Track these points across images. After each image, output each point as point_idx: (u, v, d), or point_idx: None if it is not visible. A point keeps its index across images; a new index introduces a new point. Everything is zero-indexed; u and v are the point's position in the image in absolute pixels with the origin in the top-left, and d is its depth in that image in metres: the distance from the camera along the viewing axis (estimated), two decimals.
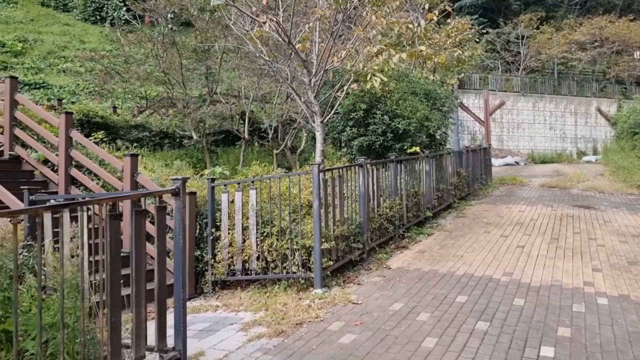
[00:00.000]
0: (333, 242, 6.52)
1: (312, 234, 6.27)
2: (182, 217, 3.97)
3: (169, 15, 12.69)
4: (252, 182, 6.81)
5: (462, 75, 17.52)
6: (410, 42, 8.77)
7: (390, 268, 7.16)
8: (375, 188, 8.17)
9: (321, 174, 6.51)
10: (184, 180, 4.00)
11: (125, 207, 6.01)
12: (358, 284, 6.51)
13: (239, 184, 6.91)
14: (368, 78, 8.09)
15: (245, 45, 9.33)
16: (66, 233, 4.53)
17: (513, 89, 30.12)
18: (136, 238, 3.64)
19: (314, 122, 8.71)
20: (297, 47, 8.46)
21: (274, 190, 6.82)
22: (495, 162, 23.67)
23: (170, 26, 12.89)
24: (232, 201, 6.92)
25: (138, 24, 15.04)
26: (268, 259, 6.53)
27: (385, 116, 10.83)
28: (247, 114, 14.63)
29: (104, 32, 17.91)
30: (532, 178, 18.28)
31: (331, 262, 6.43)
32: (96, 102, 16.86)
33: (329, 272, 6.41)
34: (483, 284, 6.34)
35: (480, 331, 4.79)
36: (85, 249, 4.01)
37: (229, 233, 6.84)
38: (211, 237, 6.87)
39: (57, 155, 8.08)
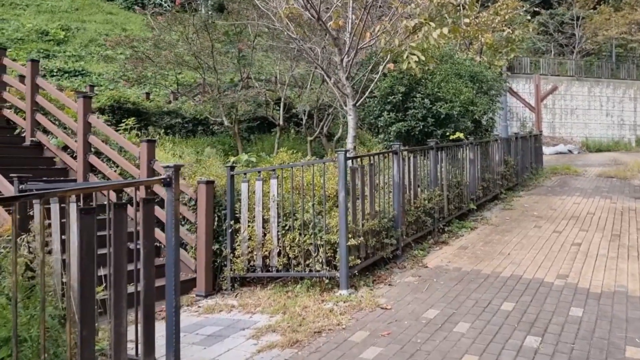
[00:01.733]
0: (361, 237, 5.86)
1: (337, 229, 5.63)
2: (174, 211, 3.40)
3: None
4: (274, 170, 6.21)
5: (512, 56, 16.31)
6: (453, 16, 7.91)
7: (426, 267, 6.44)
8: (412, 177, 7.43)
9: (349, 162, 5.85)
10: (177, 168, 3.42)
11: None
12: (389, 284, 5.83)
13: (259, 172, 6.33)
14: (405, 57, 7.32)
15: (283, 27, 8.73)
16: (37, 228, 4.06)
17: (567, 73, 28.33)
18: (116, 234, 3.10)
19: (346, 106, 8.02)
20: (328, 24, 7.78)
21: (297, 179, 6.20)
22: (546, 150, 22.26)
23: (206, 10, 12.48)
24: (254, 191, 6.35)
25: (169, 7, 14.68)
26: (290, 255, 5.94)
27: (425, 100, 10.03)
28: (282, 99, 14.06)
29: (145, 19, 17.74)
30: (587, 167, 16.95)
31: (359, 260, 5.77)
32: (131, 89, 16.68)
33: (356, 271, 5.76)
34: (533, 288, 5.54)
35: (530, 349, 4.04)
36: (57, 244, 3.50)
37: (248, 226, 6.28)
38: (230, 230, 6.34)
39: (76, 141, 7.73)
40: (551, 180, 14.01)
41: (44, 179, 7.64)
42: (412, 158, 7.49)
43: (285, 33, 8.52)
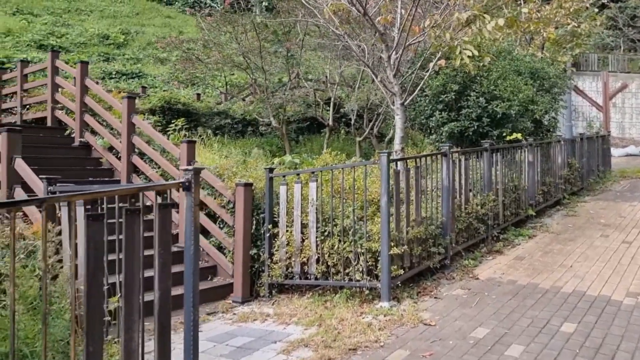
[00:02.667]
0: (405, 246, 5.45)
1: (379, 236, 5.25)
2: (194, 217, 3.16)
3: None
4: (313, 173, 5.91)
5: (577, 52, 15.27)
6: (511, 8, 7.34)
7: (477, 278, 5.95)
8: (463, 181, 6.94)
9: (393, 165, 5.47)
10: (197, 171, 3.18)
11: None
12: (435, 297, 5.39)
13: (298, 175, 6.05)
14: (457, 52, 6.83)
15: (328, 23, 8.43)
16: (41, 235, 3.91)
17: (638, 70, 26.47)
18: (128, 241, 2.88)
19: (393, 105, 7.61)
20: (376, 20, 7.41)
21: (339, 182, 5.87)
22: (614, 152, 20.80)
23: (260, 10, 12.39)
24: (293, 195, 6.07)
25: (219, 8, 14.70)
26: (329, 263, 5.62)
27: (480, 98, 9.45)
28: (332, 99, 13.76)
29: (197, 20, 17.92)
30: None
31: (402, 271, 5.37)
32: (184, 89, 16.89)
33: (399, 282, 5.37)
34: (598, 307, 4.96)
35: None
36: (69, 251, 3.33)
37: (287, 230, 6.01)
38: (268, 235, 6.09)
39: (120, 142, 7.73)
40: (620, 185, 12.97)
41: (90, 179, 7.71)
42: (463, 160, 7.00)
43: (331, 30, 8.20)
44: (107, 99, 8.07)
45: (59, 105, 8.99)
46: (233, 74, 17.75)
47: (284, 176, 6.15)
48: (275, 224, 6.12)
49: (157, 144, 7.47)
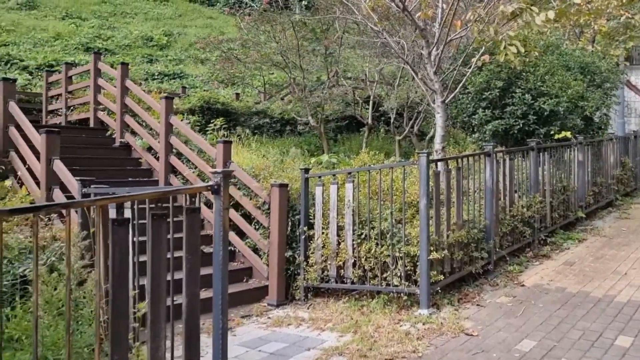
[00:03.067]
0: (446, 250, 5.22)
1: (418, 240, 5.04)
2: (222, 221, 3.05)
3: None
4: (349, 173, 5.74)
5: (631, 45, 14.47)
6: None
7: (523, 285, 5.65)
8: (507, 182, 6.62)
9: (433, 165, 5.24)
10: (226, 174, 3.07)
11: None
12: (478, 304, 5.13)
13: (334, 175, 5.89)
14: (502, 48, 6.51)
15: (365, 19, 8.23)
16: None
17: None
18: (154, 247, 2.79)
19: (434, 103, 7.34)
20: (417, 15, 7.17)
21: (375, 183, 5.68)
22: None
23: (300, 9, 12.32)
24: (329, 196, 5.92)
25: (257, 7, 14.69)
26: (365, 267, 5.44)
27: (527, 95, 9.04)
28: (371, 97, 13.55)
29: (235, 20, 18.01)
30: None
31: (442, 276, 5.14)
32: (223, 89, 17.01)
33: (438, 288, 5.14)
34: None
35: None
36: (99, 260, 3.27)
37: (323, 233, 5.87)
38: (303, 237, 5.96)
39: (159, 142, 7.78)
40: None
41: (129, 179, 7.78)
42: (507, 160, 6.68)
43: (370, 27, 8.00)
44: (146, 99, 8.13)
45: (101, 107, 9.15)
46: (272, 73, 17.75)
47: (319, 177, 6.01)
48: (311, 226, 5.98)
49: (194, 144, 7.46)
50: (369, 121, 13.43)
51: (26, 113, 12.00)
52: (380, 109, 13.64)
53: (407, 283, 5.12)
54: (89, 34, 23.79)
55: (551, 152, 7.77)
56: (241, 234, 6.57)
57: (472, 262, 5.69)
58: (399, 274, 5.18)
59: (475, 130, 9.82)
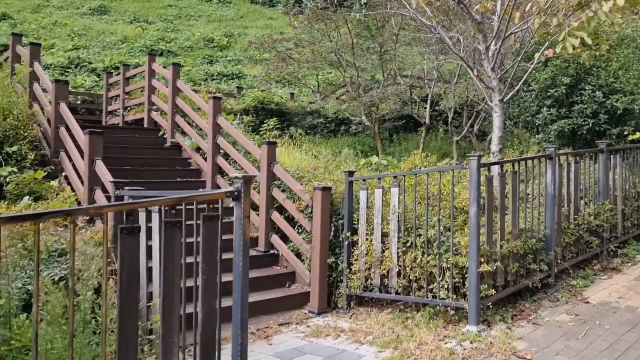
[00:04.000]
0: (498, 262, 4.80)
1: (467, 250, 4.65)
2: (243, 230, 2.85)
3: None
4: (395, 177, 5.42)
5: None
6: None
7: (587, 302, 5.12)
8: (572, 188, 6.07)
9: (485, 169, 4.84)
10: (247, 180, 2.86)
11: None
12: (534, 322, 4.68)
13: (379, 179, 5.58)
14: (560, 39, 5.95)
15: (418, 13, 7.84)
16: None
17: None
18: (166, 256, 2.63)
19: (491, 101, 6.86)
20: (474, 8, 6.73)
21: (423, 188, 5.32)
22: None
23: (360, 6, 12.06)
24: (375, 200, 5.63)
25: (310, 5, 14.51)
26: (410, 277, 5.10)
27: (597, 92, 8.35)
28: (429, 96, 13.06)
29: (289, 19, 17.96)
30: None
31: (494, 290, 4.72)
32: (281, 89, 17.01)
33: (489, 303, 4.73)
34: None
35: None
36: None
37: (366, 239, 5.58)
38: (347, 242, 5.70)
39: (207, 142, 7.75)
40: None
41: (178, 179, 7.81)
42: (573, 163, 6.12)
43: (423, 21, 7.61)
44: (195, 99, 8.13)
45: (155, 107, 9.27)
46: (330, 73, 17.57)
47: (364, 180, 5.72)
48: (354, 232, 5.71)
49: (241, 144, 7.37)
50: (427, 121, 12.95)
51: (90, 114, 12.57)
52: (437, 108, 13.13)
53: (454, 296, 4.74)
54: (154, 36, 24.56)
55: (624, 155, 7.08)
56: (285, 238, 6.39)
57: (530, 274, 5.22)
58: (446, 286, 4.81)
59: (539, 130, 9.20)
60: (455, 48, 7.75)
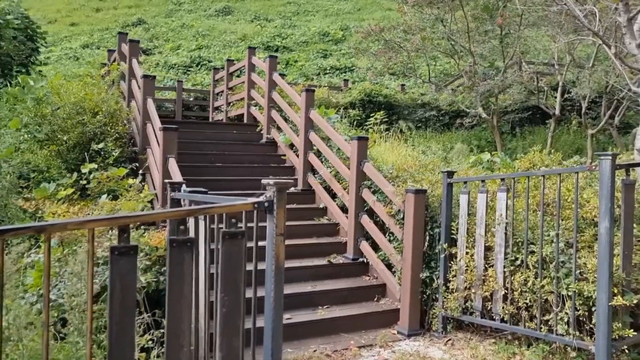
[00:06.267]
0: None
1: (596, 277, 3.62)
2: (276, 253, 2.25)
3: None
4: (503, 179, 4.46)
5: None
6: None
7: None
8: None
9: (620, 172, 3.74)
10: (281, 187, 2.25)
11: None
12: None
13: (483, 181, 4.65)
14: None
15: None
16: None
17: None
18: (172, 283, 2.10)
19: (637, 86, 5.54)
20: None
21: (538, 193, 4.32)
22: None
23: None
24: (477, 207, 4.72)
25: None
26: (519, 303, 4.15)
27: None
28: (559, 83, 11.46)
29: (398, 4, 17.02)
30: None
31: (632, 330, 3.63)
32: (394, 81, 16.19)
33: (625, 347, 3.64)
34: None
35: None
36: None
37: (466, 252, 4.70)
38: (443, 255, 4.86)
39: (299, 138, 7.29)
40: None
41: (270, 177, 7.45)
42: None
43: None
44: (289, 92, 7.70)
45: (253, 102, 9.04)
46: (449, 62, 16.38)
47: (465, 182, 4.83)
48: (453, 243, 4.85)
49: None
50: (556, 112, 11.39)
51: (202, 110, 12.84)
52: (569, 96, 11.48)
53: (577, 333, 3.73)
54: (271, 33, 24.96)
55: None
56: (375, 245, 5.70)
57: None
58: (565, 320, 3.81)
59: None
60: (591, 25, 6.44)
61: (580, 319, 3.79)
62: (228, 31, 25.89)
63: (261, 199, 2.26)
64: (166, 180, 3.81)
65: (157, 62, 21.27)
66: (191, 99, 13.18)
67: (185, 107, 12.59)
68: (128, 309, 2.00)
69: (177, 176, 4.56)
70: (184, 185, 4.10)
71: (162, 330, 3.27)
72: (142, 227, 4.23)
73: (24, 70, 10.21)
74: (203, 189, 3.81)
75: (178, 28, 26.98)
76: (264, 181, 2.31)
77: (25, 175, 5.89)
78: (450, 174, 4.93)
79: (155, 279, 3.73)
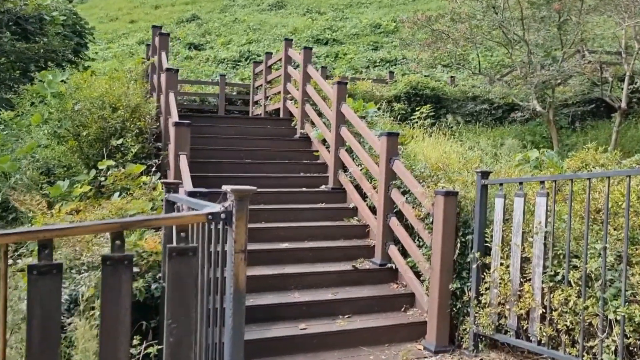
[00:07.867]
0: None
1: None
2: (235, 273, 1.90)
3: None
4: (542, 182, 3.90)
5: None
6: None
7: None
8: None
9: None
10: (242, 195, 1.89)
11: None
12: None
13: (520, 183, 4.10)
14: None
15: None
16: None
17: None
18: (105, 306, 1.79)
19: None
20: None
21: (593, 199, 3.73)
22: None
23: None
24: (515, 213, 4.18)
25: None
26: (559, 325, 3.61)
27: None
28: (627, 73, 10.47)
29: None
30: None
31: None
32: (446, 73, 15.47)
33: None
34: None
35: None
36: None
37: (501, 263, 4.17)
38: (475, 265, 4.35)
39: (330, 133, 6.91)
40: None
41: (301, 174, 7.14)
42: None
43: None
44: (321, 85, 7.31)
45: (289, 96, 8.73)
46: (506, 53, 15.47)
47: (500, 184, 4.29)
48: (486, 252, 4.33)
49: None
50: (623, 104, 10.42)
51: (245, 104, 12.70)
52: (635, 87, 10.46)
53: None
54: (322, 26, 24.60)
55: None
56: (404, 250, 5.25)
57: None
58: (613, 348, 3.25)
59: None
60: None
61: (631, 348, 3.22)
62: (279, 25, 25.76)
63: (217, 209, 1.91)
64: (162, 181, 3.55)
65: (207, 57, 21.42)
66: (234, 93, 13.06)
67: (228, 102, 12.48)
68: (50, 332, 1.71)
69: (186, 174, 4.31)
70: (190, 185, 3.84)
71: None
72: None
73: (70, 65, 10.38)
74: (204, 189, 3.51)
75: (230, 23, 27.14)
76: (223, 187, 1.96)
77: (51, 171, 5.85)
78: (485, 174, 4.41)
79: (148, 285, 3.48)
